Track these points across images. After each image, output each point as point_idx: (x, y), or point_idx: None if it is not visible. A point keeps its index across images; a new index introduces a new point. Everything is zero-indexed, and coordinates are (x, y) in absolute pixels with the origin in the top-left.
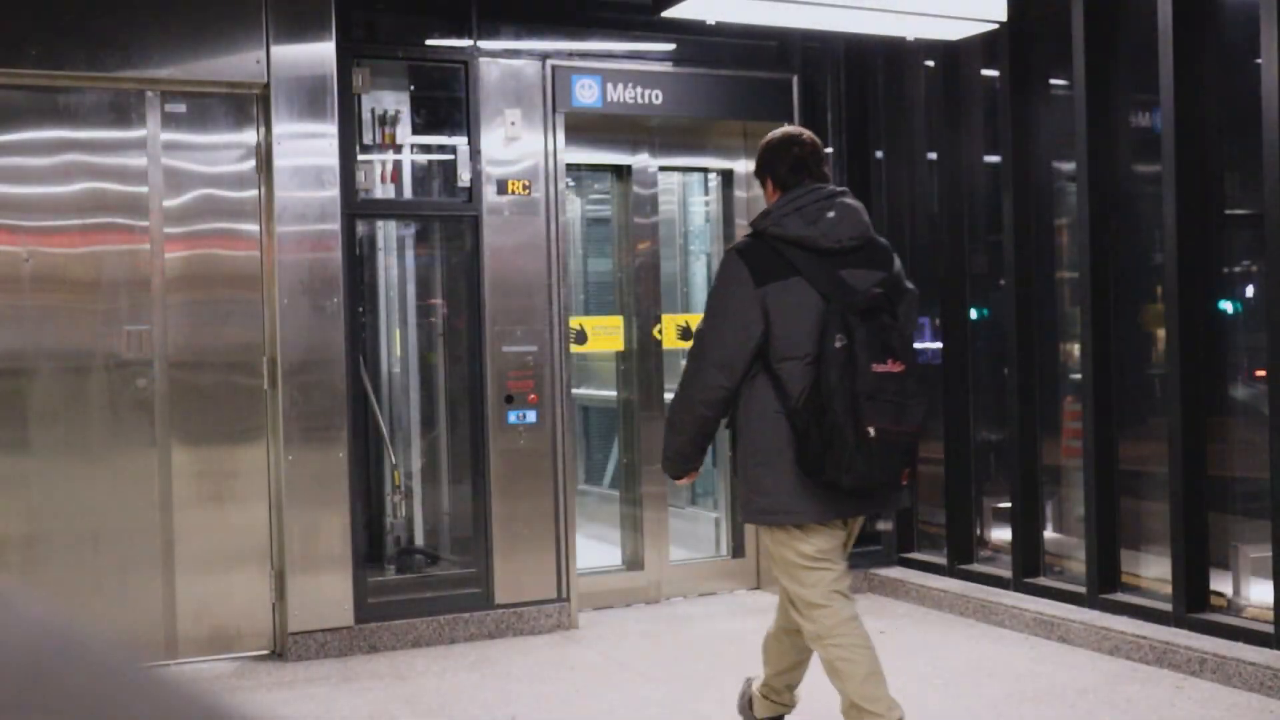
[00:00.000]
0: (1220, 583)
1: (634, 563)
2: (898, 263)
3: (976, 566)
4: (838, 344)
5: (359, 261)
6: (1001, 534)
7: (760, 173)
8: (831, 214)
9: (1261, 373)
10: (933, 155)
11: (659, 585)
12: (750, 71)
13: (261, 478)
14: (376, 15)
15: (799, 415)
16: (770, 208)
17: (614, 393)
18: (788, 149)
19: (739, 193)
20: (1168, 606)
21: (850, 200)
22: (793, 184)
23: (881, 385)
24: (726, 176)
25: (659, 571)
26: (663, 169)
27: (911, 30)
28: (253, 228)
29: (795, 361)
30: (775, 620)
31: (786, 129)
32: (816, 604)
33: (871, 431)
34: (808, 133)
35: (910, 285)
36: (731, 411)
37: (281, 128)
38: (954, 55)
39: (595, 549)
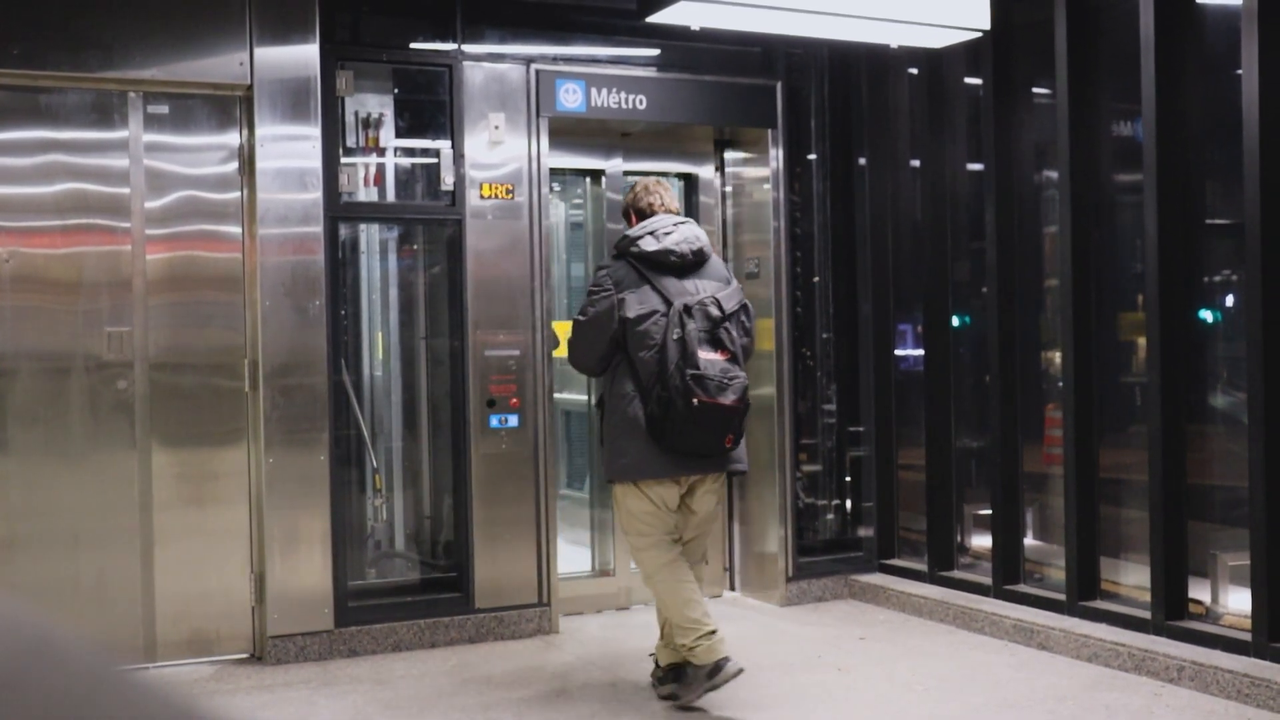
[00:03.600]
0: (1199, 590)
1: (604, 569)
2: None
3: (957, 573)
4: (674, 336)
5: (341, 264)
6: (982, 541)
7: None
8: (673, 234)
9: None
10: (916, 162)
11: (629, 591)
12: (734, 78)
13: (242, 480)
14: (361, 18)
15: (648, 393)
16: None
17: (585, 396)
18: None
19: (703, 198)
20: (1147, 614)
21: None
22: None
23: (706, 368)
24: (690, 181)
25: (629, 578)
26: (627, 173)
27: (895, 38)
28: (235, 230)
29: (647, 350)
30: None
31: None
32: (644, 549)
33: (695, 403)
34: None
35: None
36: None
37: (264, 130)
38: (937, 63)
39: (567, 554)
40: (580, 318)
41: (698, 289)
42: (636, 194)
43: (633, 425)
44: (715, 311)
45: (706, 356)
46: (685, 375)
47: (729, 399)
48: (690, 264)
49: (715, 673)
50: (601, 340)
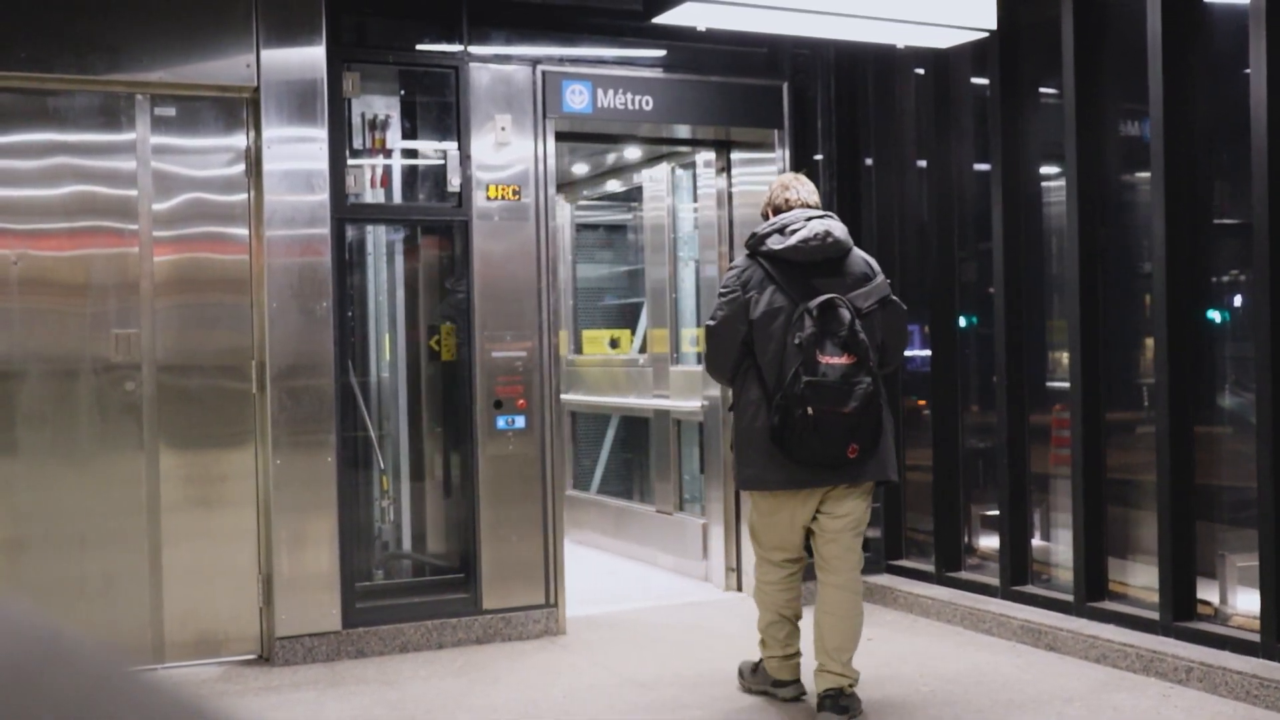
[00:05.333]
0: (1207, 591)
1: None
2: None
3: (964, 574)
4: (794, 340)
5: (348, 266)
6: (989, 542)
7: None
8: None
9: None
10: (922, 163)
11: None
12: (741, 78)
13: (249, 482)
14: (367, 19)
15: (771, 399)
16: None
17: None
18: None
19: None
20: (1155, 615)
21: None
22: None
23: (826, 374)
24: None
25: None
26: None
27: (902, 38)
28: (242, 231)
29: (769, 355)
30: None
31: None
32: (758, 561)
33: (810, 411)
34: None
35: (894, 298)
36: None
37: (271, 132)
38: (944, 63)
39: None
40: (710, 323)
41: (829, 287)
42: (774, 190)
43: (758, 434)
44: (845, 312)
45: (828, 361)
46: (802, 381)
47: (849, 407)
48: (821, 261)
49: (778, 686)
50: (733, 344)
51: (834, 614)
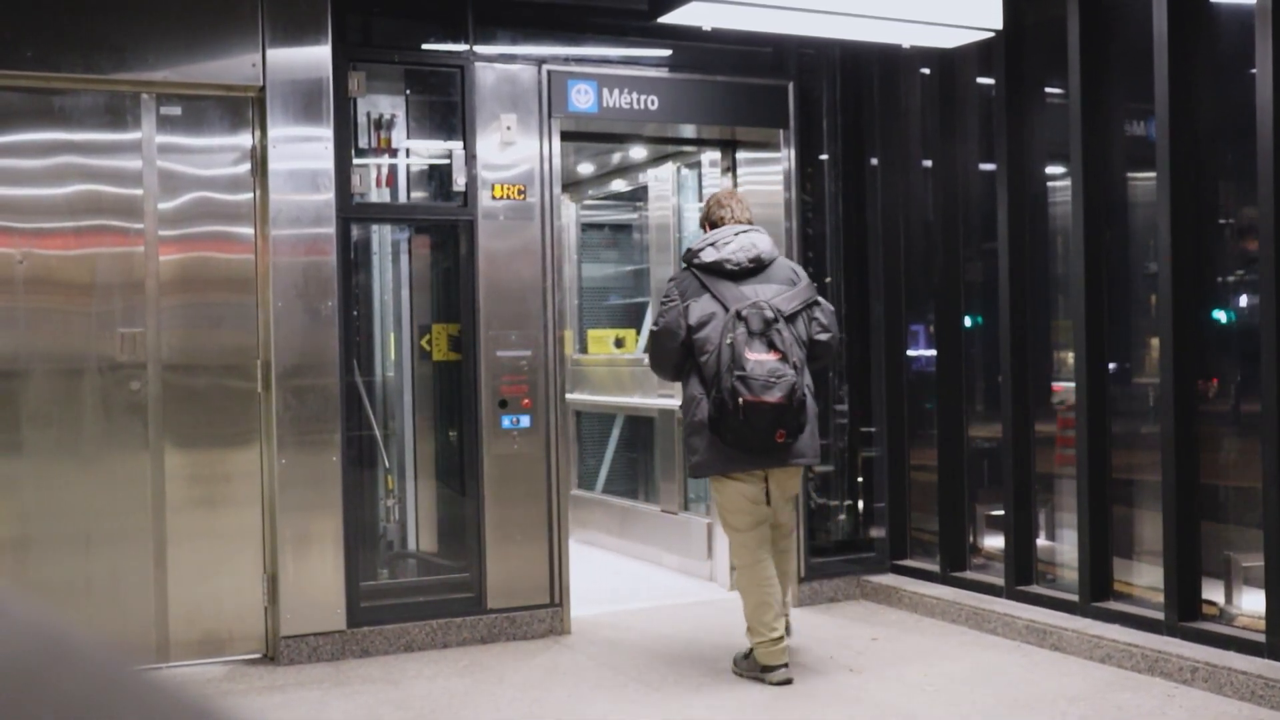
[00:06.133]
0: (1212, 591)
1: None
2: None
3: (969, 574)
4: (726, 340)
5: (353, 265)
6: (994, 541)
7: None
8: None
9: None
10: (928, 162)
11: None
12: (746, 78)
13: (254, 481)
14: (372, 19)
15: (709, 394)
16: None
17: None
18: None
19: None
20: (1160, 615)
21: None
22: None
23: (753, 369)
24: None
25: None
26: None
27: (907, 38)
28: (247, 231)
29: (706, 354)
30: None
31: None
32: (732, 542)
33: (741, 401)
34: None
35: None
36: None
37: (277, 131)
38: (950, 63)
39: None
40: (654, 328)
41: (756, 293)
42: (710, 207)
43: (700, 425)
44: (769, 314)
45: (756, 357)
46: (733, 375)
47: (774, 396)
48: (748, 270)
49: (767, 672)
50: (673, 347)
51: (778, 571)
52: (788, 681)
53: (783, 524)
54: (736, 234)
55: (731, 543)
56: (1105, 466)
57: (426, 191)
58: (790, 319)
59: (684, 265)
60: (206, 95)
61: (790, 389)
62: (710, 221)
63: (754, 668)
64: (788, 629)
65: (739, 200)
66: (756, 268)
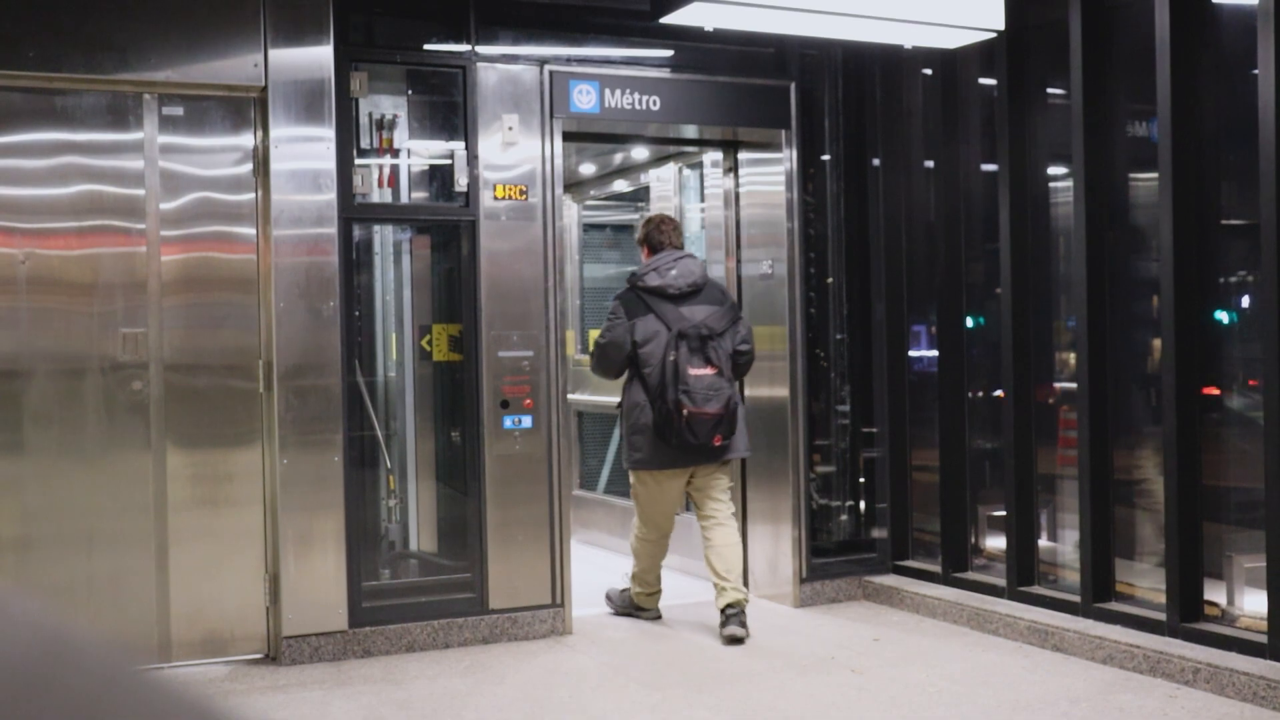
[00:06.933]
0: (1214, 592)
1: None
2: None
3: (971, 575)
4: (670, 358)
5: (355, 266)
6: (996, 542)
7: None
8: (674, 270)
9: (1254, 382)
10: (930, 163)
11: None
12: (748, 78)
13: (256, 481)
14: (375, 19)
15: (653, 403)
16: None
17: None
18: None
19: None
20: (1162, 616)
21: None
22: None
23: (694, 384)
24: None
25: None
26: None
27: (909, 38)
28: (249, 231)
29: (650, 368)
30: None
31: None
32: (641, 522)
33: (685, 413)
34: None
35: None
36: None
37: (279, 131)
38: (951, 63)
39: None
40: (601, 340)
41: (693, 314)
42: (649, 230)
43: (643, 428)
44: (704, 332)
45: (696, 372)
46: (678, 389)
47: (713, 408)
48: (687, 293)
49: (640, 610)
50: (619, 358)
51: (718, 546)
52: (658, 619)
53: (719, 505)
54: (676, 259)
55: (641, 521)
56: (1107, 467)
57: (428, 192)
58: (720, 335)
59: (628, 286)
60: (208, 95)
61: (726, 400)
62: (649, 244)
63: (627, 604)
64: (744, 620)
65: (675, 226)
66: (693, 291)
